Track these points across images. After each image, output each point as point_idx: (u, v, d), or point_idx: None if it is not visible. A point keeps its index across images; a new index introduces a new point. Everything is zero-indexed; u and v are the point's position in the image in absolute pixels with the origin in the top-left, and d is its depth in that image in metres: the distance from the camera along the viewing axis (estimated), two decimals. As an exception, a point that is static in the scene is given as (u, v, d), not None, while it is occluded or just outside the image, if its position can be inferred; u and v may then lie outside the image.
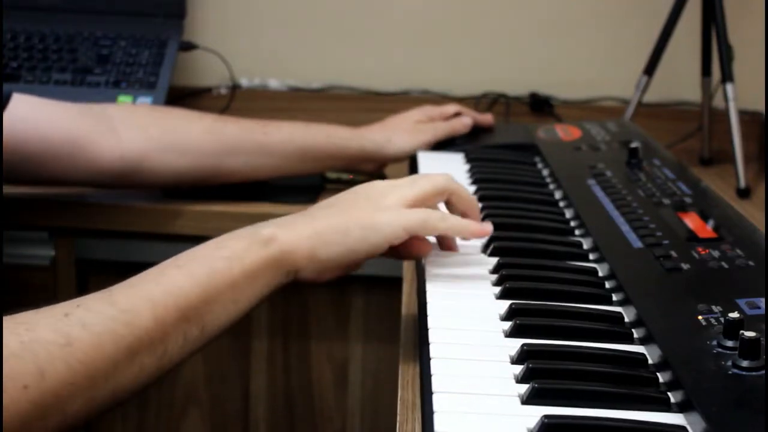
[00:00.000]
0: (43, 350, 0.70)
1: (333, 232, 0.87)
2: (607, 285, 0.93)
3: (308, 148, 1.37)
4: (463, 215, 0.96)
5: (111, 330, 0.74)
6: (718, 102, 1.65)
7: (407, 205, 0.90)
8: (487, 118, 1.54)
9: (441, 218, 0.91)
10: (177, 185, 1.38)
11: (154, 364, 0.77)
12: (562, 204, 1.19)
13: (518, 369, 0.75)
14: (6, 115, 1.17)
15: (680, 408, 0.71)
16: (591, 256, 1.01)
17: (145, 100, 1.61)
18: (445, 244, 0.97)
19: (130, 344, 0.75)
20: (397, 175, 1.49)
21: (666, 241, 0.98)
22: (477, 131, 1.50)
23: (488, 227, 0.94)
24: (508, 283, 0.90)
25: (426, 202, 0.93)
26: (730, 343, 0.74)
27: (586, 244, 1.04)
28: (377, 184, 0.94)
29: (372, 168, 1.46)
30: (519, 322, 0.82)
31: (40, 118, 1.21)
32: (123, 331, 0.74)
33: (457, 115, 1.50)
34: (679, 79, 1.81)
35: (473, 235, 0.94)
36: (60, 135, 1.22)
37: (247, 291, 0.84)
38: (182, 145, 1.30)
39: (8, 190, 1.39)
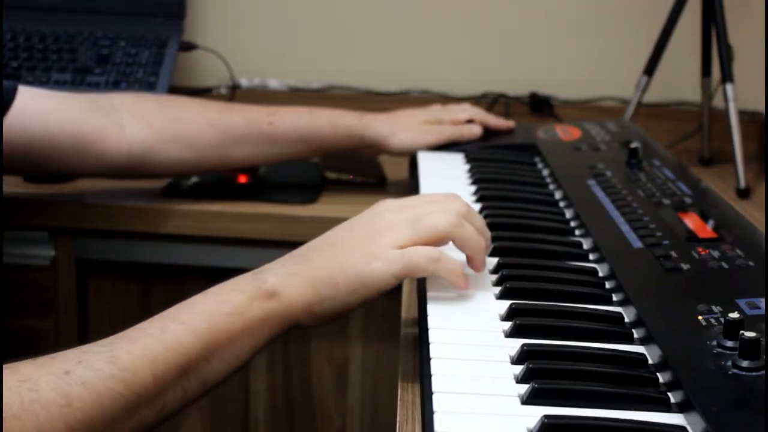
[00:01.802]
0: (44, 411, 0.70)
1: (326, 285, 0.86)
2: (607, 285, 0.93)
3: (312, 137, 1.38)
4: (468, 258, 0.91)
5: (110, 389, 0.74)
6: (718, 102, 1.65)
7: (402, 247, 0.87)
8: (508, 124, 1.51)
9: (431, 261, 0.86)
10: (183, 175, 1.41)
11: (153, 416, 0.78)
12: (562, 204, 1.19)
13: (518, 369, 0.75)
14: (13, 108, 1.17)
15: (680, 408, 0.71)
16: (591, 256, 1.01)
17: (145, 100, 1.61)
18: (469, 263, 0.92)
19: (129, 402, 0.75)
20: (397, 172, 1.50)
21: (666, 241, 0.98)
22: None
23: (468, 285, 0.88)
24: (508, 283, 0.90)
25: (426, 244, 0.88)
26: (730, 343, 0.74)
27: (586, 244, 1.04)
28: (379, 217, 0.90)
29: (372, 154, 1.46)
30: (519, 322, 0.82)
31: (47, 112, 1.21)
32: (122, 389, 0.75)
33: (469, 121, 1.48)
34: (679, 79, 1.81)
35: (456, 285, 0.88)
36: (67, 130, 1.22)
37: (248, 345, 0.84)
38: (187, 138, 1.30)
39: (8, 190, 1.39)
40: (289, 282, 0.86)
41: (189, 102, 1.36)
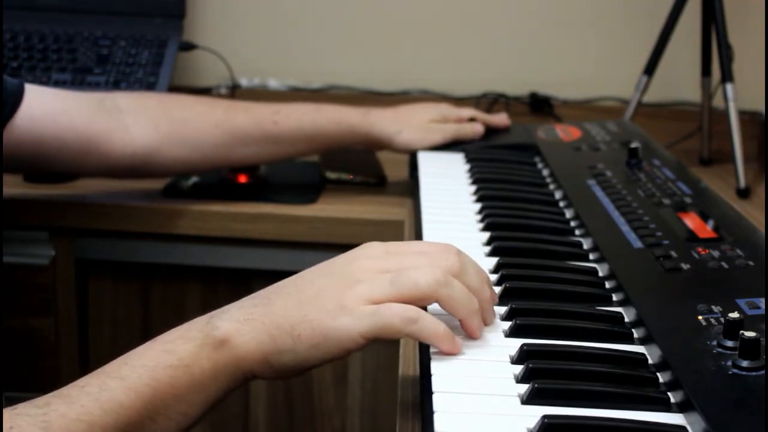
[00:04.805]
0: None
1: (285, 336, 0.76)
2: (607, 285, 0.93)
3: (317, 135, 1.37)
4: (460, 322, 0.79)
5: None
6: (718, 102, 1.65)
7: (376, 303, 0.76)
8: (502, 119, 1.52)
9: (407, 321, 0.75)
10: (186, 174, 1.42)
11: None
12: (562, 204, 1.19)
13: (518, 369, 0.75)
14: (21, 110, 1.17)
15: (680, 408, 0.71)
16: (591, 256, 1.01)
17: (145, 100, 1.61)
18: (462, 327, 0.80)
19: None
20: (397, 172, 1.50)
21: (666, 241, 0.98)
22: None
23: (457, 349, 0.77)
24: (508, 283, 0.90)
25: (405, 302, 0.76)
26: (730, 343, 0.74)
27: (586, 244, 1.04)
28: (358, 263, 0.79)
29: (375, 149, 1.47)
30: (519, 322, 0.81)
31: (54, 114, 1.21)
32: None
33: (471, 120, 1.49)
34: (679, 79, 1.81)
35: (441, 350, 0.77)
36: (74, 132, 1.22)
37: (197, 400, 0.75)
38: (192, 140, 1.30)
39: (8, 190, 1.39)
40: (243, 328, 0.76)
41: (194, 102, 1.36)
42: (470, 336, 0.79)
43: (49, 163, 1.24)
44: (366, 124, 1.40)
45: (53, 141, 1.21)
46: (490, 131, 1.50)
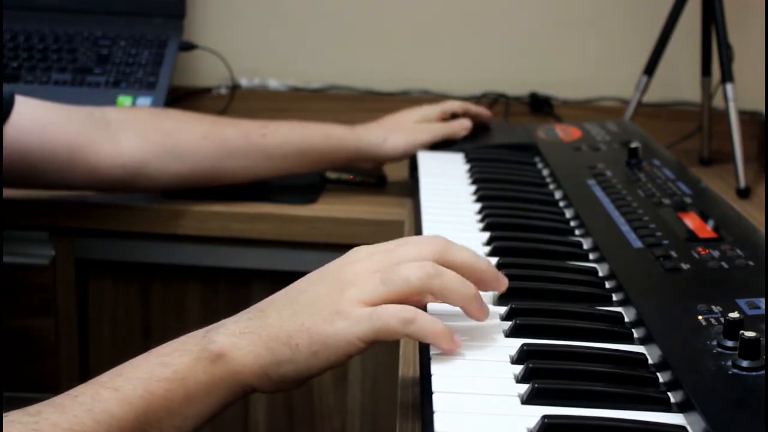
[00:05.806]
0: None
1: (283, 347, 0.75)
2: (607, 285, 0.93)
3: (305, 150, 1.37)
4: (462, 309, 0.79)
5: None
6: (718, 102, 1.65)
7: (370, 304, 0.76)
8: (482, 111, 1.53)
9: (404, 322, 0.75)
10: (176, 189, 1.39)
11: None
12: (562, 204, 1.19)
13: (518, 369, 0.75)
14: (10, 120, 1.16)
15: (680, 408, 0.71)
16: (591, 256, 1.01)
17: (145, 101, 1.61)
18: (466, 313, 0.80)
19: None
20: (397, 172, 1.50)
21: (666, 241, 0.98)
22: (477, 131, 1.50)
23: (456, 346, 0.77)
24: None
25: (400, 301, 0.76)
26: (730, 343, 0.74)
27: (586, 244, 1.05)
28: (349, 267, 0.79)
29: (370, 165, 1.46)
30: (519, 322, 0.81)
31: (43, 125, 1.20)
32: None
33: (455, 116, 1.49)
34: (679, 79, 1.81)
35: (440, 348, 0.77)
36: (63, 144, 1.22)
37: (192, 413, 0.75)
38: (181, 152, 1.30)
39: (8, 190, 1.39)
40: (240, 342, 0.75)
41: (183, 115, 1.36)
42: (475, 320, 0.79)
43: (37, 175, 1.23)
44: (353, 138, 1.39)
45: (41, 152, 1.20)
46: (490, 131, 1.50)
